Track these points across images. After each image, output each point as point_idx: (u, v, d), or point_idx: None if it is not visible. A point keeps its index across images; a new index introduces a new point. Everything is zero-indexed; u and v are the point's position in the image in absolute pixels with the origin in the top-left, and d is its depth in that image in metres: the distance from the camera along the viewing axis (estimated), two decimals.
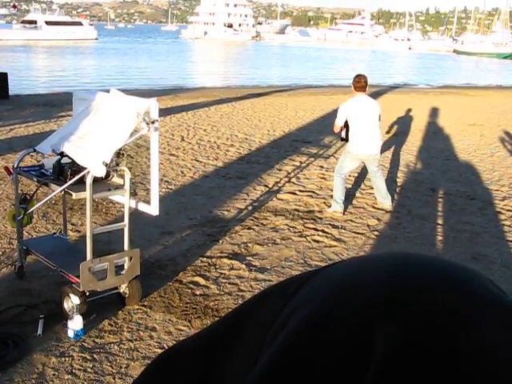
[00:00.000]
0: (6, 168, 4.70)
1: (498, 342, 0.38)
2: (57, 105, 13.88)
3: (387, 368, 0.37)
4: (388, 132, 11.98)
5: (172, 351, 0.54)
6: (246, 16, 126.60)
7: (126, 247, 4.27)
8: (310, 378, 0.38)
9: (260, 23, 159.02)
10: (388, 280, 0.42)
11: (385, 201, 7.03)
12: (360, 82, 6.73)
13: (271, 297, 0.48)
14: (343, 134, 6.84)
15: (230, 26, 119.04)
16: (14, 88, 16.78)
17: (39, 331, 3.87)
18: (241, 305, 0.51)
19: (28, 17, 77.66)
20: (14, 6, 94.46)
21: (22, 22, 75.78)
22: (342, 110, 6.74)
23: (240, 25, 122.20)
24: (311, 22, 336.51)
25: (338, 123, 6.76)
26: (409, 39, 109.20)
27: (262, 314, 0.47)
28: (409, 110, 16.05)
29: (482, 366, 0.37)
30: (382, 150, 10.55)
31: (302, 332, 0.40)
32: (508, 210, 7.31)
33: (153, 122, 3.96)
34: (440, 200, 7.69)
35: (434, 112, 16.42)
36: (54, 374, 3.49)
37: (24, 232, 4.84)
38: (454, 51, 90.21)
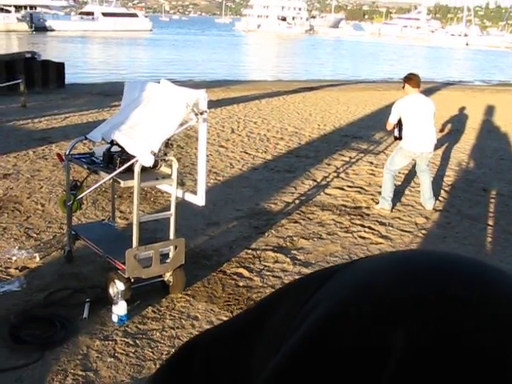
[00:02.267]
0: (59, 155, 4.82)
1: None
2: (110, 94, 14.13)
3: (406, 367, 0.36)
4: (442, 130, 11.73)
5: (201, 337, 0.54)
6: (299, 9, 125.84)
7: (171, 236, 4.32)
8: (327, 371, 0.38)
9: (314, 17, 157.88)
10: (409, 278, 0.41)
11: (427, 202, 6.88)
12: (414, 80, 6.63)
13: (296, 290, 0.48)
14: (396, 133, 6.76)
15: (284, 19, 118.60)
16: (70, 77, 17.18)
17: (85, 314, 3.97)
18: (266, 296, 0.51)
19: (85, 8, 79.37)
20: None
21: (79, 14, 77.44)
22: (395, 108, 6.65)
23: (294, 18, 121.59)
24: (366, 16, 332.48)
25: (392, 121, 6.68)
26: (466, 35, 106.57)
27: (287, 306, 0.47)
28: (463, 108, 15.68)
29: (505, 366, 0.35)
30: (435, 148, 10.37)
31: (318, 329, 0.40)
32: None
33: (201, 113, 3.98)
34: (492, 201, 7.50)
35: (490, 110, 16.00)
36: (97, 357, 3.57)
37: (74, 218, 4.96)
38: None
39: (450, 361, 0.36)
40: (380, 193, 6.91)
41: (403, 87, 6.74)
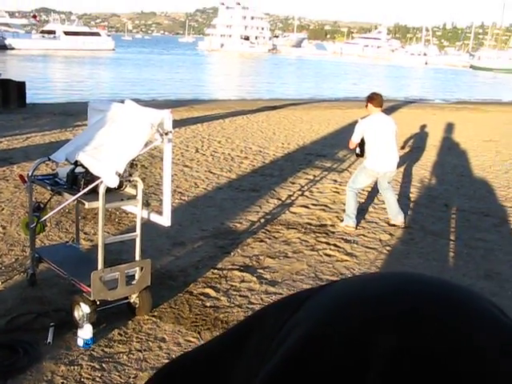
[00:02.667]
0: (21, 176, 4.75)
1: (497, 362, 0.38)
2: (73, 114, 14.00)
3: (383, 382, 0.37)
4: (403, 147, 11.94)
5: (177, 362, 0.55)
6: (262, 29, 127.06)
7: (137, 257, 4.28)
8: None
9: (276, 36, 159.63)
10: (387, 298, 0.42)
11: (397, 217, 6.99)
12: (377, 100, 6.75)
13: (275, 311, 0.49)
14: (358, 150, 6.88)
15: (247, 38, 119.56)
16: (31, 97, 16.96)
17: (49, 339, 3.89)
18: (246, 318, 0.52)
19: (47, 27, 78.71)
20: (34, 17, 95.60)
21: (41, 32, 76.71)
22: (359, 128, 6.75)
23: (256, 37, 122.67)
24: (328, 36, 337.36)
25: (355, 140, 6.78)
26: (425, 54, 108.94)
27: (266, 327, 0.48)
28: (424, 125, 15.99)
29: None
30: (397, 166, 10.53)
31: (301, 347, 0.41)
32: None
33: (166, 134, 3.98)
34: (453, 216, 7.64)
35: (450, 127, 16.36)
36: (62, 382, 3.50)
37: (37, 240, 4.88)
38: (471, 66, 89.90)
39: (424, 379, 0.37)
40: (344, 210, 6.98)
41: (366, 106, 6.85)
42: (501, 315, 0.43)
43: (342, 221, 6.96)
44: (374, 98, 6.77)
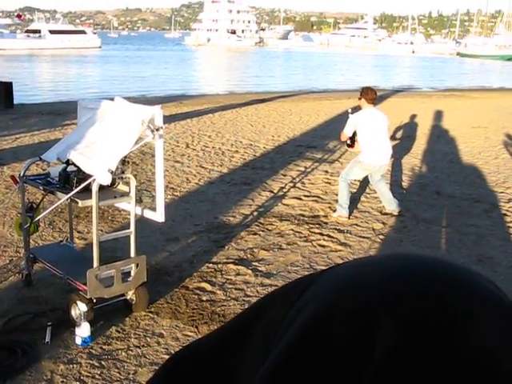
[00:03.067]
0: (13, 177, 4.74)
1: (498, 342, 0.39)
2: (62, 113, 13.96)
3: (387, 365, 0.38)
4: (393, 137, 11.98)
5: (184, 353, 0.55)
6: (248, 22, 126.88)
7: (132, 254, 4.29)
8: (314, 375, 0.40)
9: (263, 29, 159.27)
10: (389, 279, 0.43)
11: (391, 206, 7.03)
12: (370, 95, 6.76)
13: (279, 298, 0.50)
14: (349, 141, 6.92)
15: (233, 32, 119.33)
16: (18, 97, 16.88)
17: (47, 339, 3.90)
18: (250, 306, 0.53)
19: (32, 26, 78.12)
20: (19, 16, 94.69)
21: (26, 32, 76.16)
22: (351, 121, 6.76)
23: (243, 31, 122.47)
24: (314, 27, 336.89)
25: (347, 133, 6.80)
26: (412, 43, 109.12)
27: (271, 314, 0.49)
28: (413, 114, 16.04)
29: (481, 366, 0.38)
30: None
31: (307, 331, 0.42)
32: None
33: (157, 130, 3.98)
34: (445, 203, 7.69)
35: (438, 115, 16.42)
36: (62, 381, 3.51)
37: (31, 240, 4.87)
38: (458, 54, 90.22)
39: (429, 361, 0.38)
40: (337, 201, 7.01)
41: (359, 99, 6.84)
42: (501, 294, 0.44)
43: (334, 211, 6.99)
44: (368, 93, 6.78)
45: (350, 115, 6.88)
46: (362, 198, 7.69)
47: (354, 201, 7.45)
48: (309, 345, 0.41)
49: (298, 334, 0.43)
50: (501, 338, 0.40)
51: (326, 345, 0.41)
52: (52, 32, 72.88)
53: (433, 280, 0.43)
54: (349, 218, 6.84)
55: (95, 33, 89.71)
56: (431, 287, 0.42)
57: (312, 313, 0.43)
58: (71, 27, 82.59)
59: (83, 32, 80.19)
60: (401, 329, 0.40)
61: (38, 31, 73.49)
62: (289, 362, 0.41)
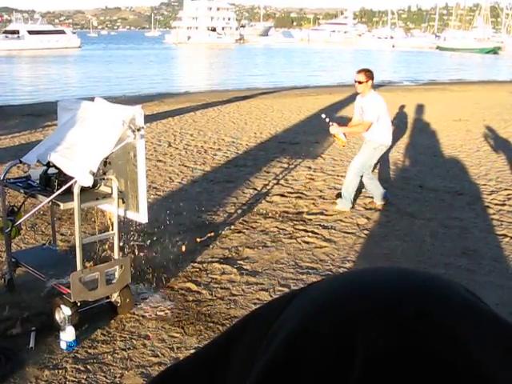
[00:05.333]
0: None
1: (473, 344, 0.40)
2: (42, 114, 13.82)
3: (368, 378, 0.38)
4: None
5: (170, 370, 0.55)
6: (229, 19, 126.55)
7: (116, 256, 4.26)
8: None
9: (243, 26, 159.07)
10: (365, 294, 0.44)
11: (381, 197, 7.15)
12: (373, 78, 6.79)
13: (260, 316, 0.50)
14: (328, 119, 6.99)
15: (214, 29, 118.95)
16: None
17: (31, 344, 3.85)
18: (233, 325, 0.53)
19: (10, 27, 77.24)
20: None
21: (4, 33, 75.27)
22: (378, 107, 6.73)
23: (223, 28, 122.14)
24: (294, 23, 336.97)
25: (373, 120, 6.72)
26: (392, 37, 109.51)
27: (253, 333, 0.49)
28: (394, 108, 16.10)
29: (455, 368, 0.38)
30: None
31: (286, 347, 0.42)
32: (496, 204, 7.35)
33: (138, 130, 3.94)
34: (428, 196, 7.72)
35: (420, 109, 16.49)
36: None
37: (13, 244, 4.81)
38: (437, 47, 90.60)
39: (411, 373, 0.38)
40: (321, 196, 7.01)
41: (366, 82, 6.70)
42: (473, 298, 0.45)
43: (333, 203, 7.02)
44: (373, 77, 6.76)
45: (326, 119, 6.93)
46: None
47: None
48: (288, 362, 0.41)
49: (277, 351, 0.43)
50: (486, 349, 0.40)
51: (305, 361, 0.41)
52: (31, 32, 72.16)
53: (412, 292, 0.44)
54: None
55: (74, 32, 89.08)
56: (410, 300, 0.43)
57: (291, 329, 0.43)
58: (50, 27, 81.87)
59: (62, 32, 79.53)
60: (381, 342, 0.40)
61: (16, 32, 72.69)
62: (269, 380, 0.41)
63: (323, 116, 7.04)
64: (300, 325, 0.43)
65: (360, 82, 6.71)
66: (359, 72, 6.77)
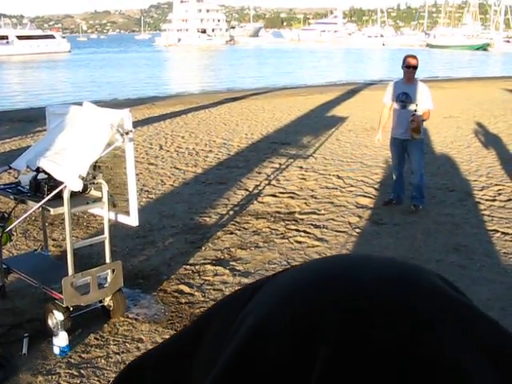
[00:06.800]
0: None
1: (442, 337, 0.39)
2: (33, 120, 13.77)
3: (331, 369, 0.38)
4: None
5: (138, 362, 0.55)
6: (218, 21, 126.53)
7: (107, 260, 4.25)
8: (257, 381, 0.40)
9: (233, 27, 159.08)
10: (325, 286, 0.43)
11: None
12: None
13: (229, 304, 0.50)
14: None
15: (204, 31, 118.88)
16: None
17: (24, 350, 3.84)
18: (202, 313, 0.53)
19: None
20: None
21: None
22: (429, 94, 6.75)
23: (213, 30, 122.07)
24: (284, 24, 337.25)
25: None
26: (382, 35, 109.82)
27: (221, 320, 0.48)
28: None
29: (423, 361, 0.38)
30: (361, 147, 10.64)
31: (244, 343, 0.42)
32: (487, 200, 7.39)
33: (127, 133, 3.95)
34: (426, 199, 7.72)
35: None
36: None
37: (4, 250, 4.80)
38: (427, 45, 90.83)
39: (369, 363, 0.37)
40: (312, 196, 7.02)
41: (415, 71, 6.70)
42: (446, 287, 0.44)
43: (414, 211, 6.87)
44: None
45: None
46: (337, 193, 7.70)
47: (330, 196, 7.48)
48: (245, 358, 0.41)
49: (236, 347, 0.42)
50: (462, 345, 0.39)
51: (261, 358, 0.40)
52: (20, 37, 71.88)
53: (372, 281, 0.42)
54: None
55: (64, 37, 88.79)
56: (370, 289, 0.41)
57: (250, 324, 0.43)
58: (39, 32, 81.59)
59: (52, 37, 79.26)
60: (337, 338, 0.39)
61: (5, 37, 72.35)
62: (226, 376, 0.41)
63: (413, 108, 6.70)
64: (257, 322, 0.43)
65: (415, 67, 6.65)
66: (414, 58, 6.66)
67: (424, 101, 6.61)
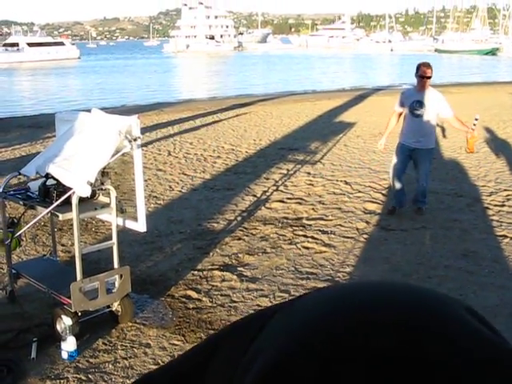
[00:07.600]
0: None
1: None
2: (43, 126, 13.86)
3: None
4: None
5: (144, 380, 0.55)
6: (227, 27, 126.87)
7: (115, 265, 4.28)
8: None
9: (241, 33, 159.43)
10: (356, 324, 0.40)
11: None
12: None
13: (237, 333, 0.48)
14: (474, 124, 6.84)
15: (212, 37, 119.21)
16: None
17: (33, 355, 3.87)
18: (207, 338, 0.51)
19: (9, 40, 77.44)
20: None
21: (3, 46, 75.47)
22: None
23: (222, 36, 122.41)
24: (292, 30, 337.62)
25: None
26: (390, 41, 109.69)
27: (228, 350, 0.46)
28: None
29: None
30: (369, 153, 10.62)
31: (264, 379, 0.39)
32: (495, 205, 7.36)
33: (135, 140, 3.98)
34: (428, 199, 7.71)
35: None
36: None
37: (13, 256, 4.84)
38: (436, 50, 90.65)
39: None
40: (320, 202, 7.02)
41: (428, 82, 6.68)
42: (477, 325, 0.40)
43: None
44: None
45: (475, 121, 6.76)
46: (345, 198, 7.71)
47: (337, 201, 7.48)
48: None
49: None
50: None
51: None
52: (30, 45, 72.36)
53: (390, 318, 0.39)
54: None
55: (74, 44, 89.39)
56: (389, 328, 0.39)
57: (266, 360, 0.40)
58: (49, 39, 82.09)
59: (61, 43, 79.74)
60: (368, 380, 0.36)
61: (16, 44, 72.90)
62: None
63: (477, 117, 6.91)
64: (277, 357, 0.39)
65: (430, 77, 6.64)
66: (428, 67, 6.63)
67: (443, 109, 6.63)
